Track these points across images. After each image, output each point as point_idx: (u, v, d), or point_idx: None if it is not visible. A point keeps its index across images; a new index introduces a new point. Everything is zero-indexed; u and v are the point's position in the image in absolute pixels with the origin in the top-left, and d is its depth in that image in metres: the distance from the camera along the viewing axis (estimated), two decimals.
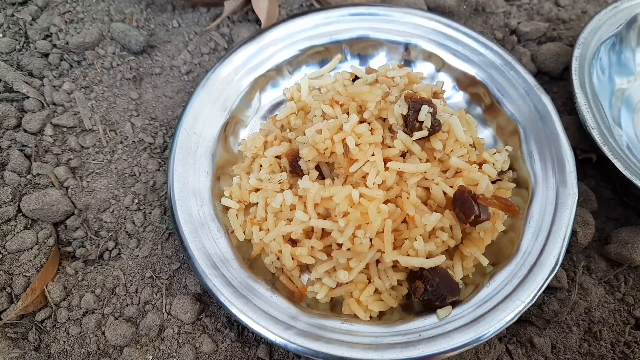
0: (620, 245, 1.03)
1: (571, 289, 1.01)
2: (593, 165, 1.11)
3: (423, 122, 0.92)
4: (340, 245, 0.89)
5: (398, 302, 0.93)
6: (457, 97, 1.15)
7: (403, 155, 0.96)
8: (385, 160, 0.94)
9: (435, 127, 0.93)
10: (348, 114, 0.99)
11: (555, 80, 1.25)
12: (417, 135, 0.93)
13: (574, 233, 1.02)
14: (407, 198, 0.91)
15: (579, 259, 1.05)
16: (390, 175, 0.92)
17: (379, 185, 0.91)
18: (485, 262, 0.94)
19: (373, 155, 0.92)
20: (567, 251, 1.04)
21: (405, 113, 0.93)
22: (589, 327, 0.99)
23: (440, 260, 0.88)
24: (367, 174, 0.91)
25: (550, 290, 1.01)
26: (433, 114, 0.93)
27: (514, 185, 1.02)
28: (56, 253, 1.01)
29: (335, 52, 1.18)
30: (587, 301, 1.01)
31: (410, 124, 0.93)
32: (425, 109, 0.92)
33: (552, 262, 0.89)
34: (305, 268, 0.97)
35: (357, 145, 0.92)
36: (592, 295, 1.01)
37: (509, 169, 1.05)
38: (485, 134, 1.11)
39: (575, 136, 1.11)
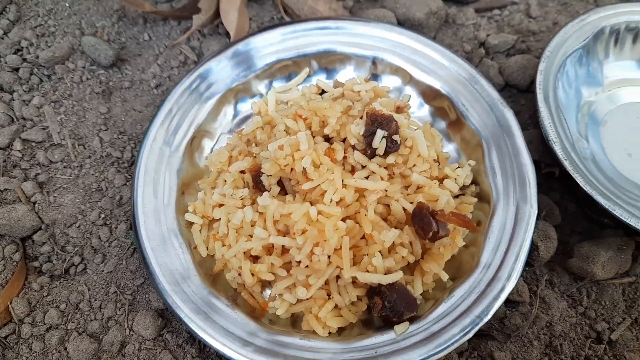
0: (581, 260, 1.04)
1: (533, 302, 1.02)
2: (558, 178, 1.12)
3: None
4: (299, 262, 0.90)
5: (358, 318, 0.94)
6: (422, 111, 1.16)
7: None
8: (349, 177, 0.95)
9: (391, 149, 0.94)
10: (311, 128, 1.00)
11: (523, 92, 1.26)
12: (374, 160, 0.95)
13: (535, 247, 1.03)
14: (366, 215, 0.92)
15: (542, 272, 1.06)
16: (349, 193, 0.92)
17: (337, 202, 0.92)
18: (445, 277, 0.95)
19: (333, 173, 0.93)
20: (530, 265, 1.05)
21: (362, 133, 0.94)
22: (550, 341, 1.00)
23: (397, 276, 0.89)
24: (326, 191, 0.92)
25: (512, 304, 1.02)
26: (392, 134, 0.94)
27: (475, 199, 1.03)
28: (22, 268, 1.01)
29: (303, 65, 1.18)
30: (548, 315, 1.02)
31: (366, 146, 0.94)
32: (379, 133, 0.93)
33: (509, 278, 0.90)
34: (267, 283, 0.97)
35: (317, 165, 0.93)
36: (554, 309, 1.02)
37: (472, 183, 1.06)
38: (450, 147, 1.12)
39: (539, 149, 1.12)
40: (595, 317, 1.03)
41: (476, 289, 0.91)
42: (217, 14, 1.28)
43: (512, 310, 1.01)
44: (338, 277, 0.92)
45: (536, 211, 0.95)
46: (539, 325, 1.00)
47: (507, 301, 1.02)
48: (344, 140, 0.99)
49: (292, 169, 0.94)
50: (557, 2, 1.44)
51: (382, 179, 0.96)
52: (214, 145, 1.12)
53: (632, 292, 1.06)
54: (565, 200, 1.13)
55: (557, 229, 1.08)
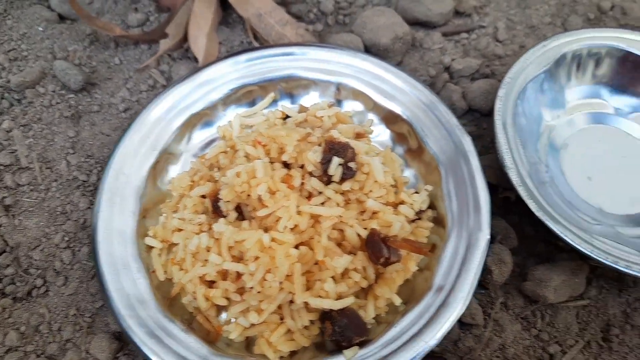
0: (535, 284, 1.05)
1: (487, 325, 1.04)
2: (516, 202, 1.14)
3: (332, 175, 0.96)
4: (251, 288, 0.92)
5: (311, 341, 0.95)
6: (384, 136, 1.18)
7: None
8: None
9: (347, 176, 0.96)
10: (270, 154, 1.02)
11: (486, 116, 1.28)
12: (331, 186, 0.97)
13: (489, 272, 1.05)
14: (319, 242, 0.94)
15: (497, 295, 1.08)
16: (303, 219, 0.94)
17: (292, 229, 0.94)
18: (397, 301, 0.97)
19: (289, 200, 0.95)
20: (485, 288, 1.07)
21: (319, 160, 0.96)
22: None
23: (348, 302, 0.91)
24: (281, 218, 0.94)
25: (466, 326, 1.04)
26: (347, 161, 0.96)
27: (431, 224, 1.05)
28: None
29: (269, 90, 1.21)
30: (502, 337, 1.03)
31: (323, 173, 0.96)
32: (335, 160, 0.95)
33: (459, 303, 0.91)
34: (223, 307, 0.99)
35: (273, 191, 0.95)
36: (507, 332, 1.04)
37: (430, 207, 1.08)
38: (409, 172, 1.14)
39: (498, 174, 1.14)
40: (548, 340, 1.04)
41: (427, 313, 0.92)
42: (185, 39, 1.30)
43: (465, 333, 1.03)
44: (291, 301, 0.94)
45: (488, 237, 0.97)
46: (492, 348, 1.02)
47: (462, 324, 1.04)
48: (302, 166, 1.01)
49: (248, 195, 0.95)
50: (525, 25, 1.46)
51: (337, 205, 0.98)
52: (178, 169, 1.14)
53: (586, 315, 1.07)
54: (523, 224, 1.15)
55: (514, 251, 1.10)
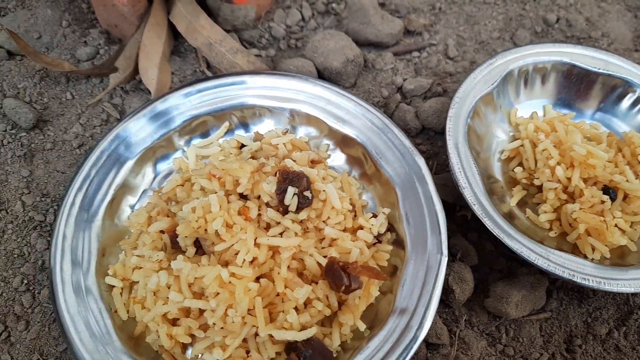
0: (496, 300, 1.07)
1: (453, 343, 1.05)
2: (474, 219, 1.15)
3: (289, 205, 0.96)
4: (214, 324, 0.91)
5: None
6: (339, 160, 1.19)
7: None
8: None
9: (303, 205, 0.97)
10: (225, 187, 1.02)
11: (440, 134, 1.30)
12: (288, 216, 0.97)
13: (451, 291, 1.06)
14: (279, 273, 0.94)
15: (461, 313, 1.09)
16: (262, 252, 0.94)
17: (251, 261, 0.94)
18: (362, 327, 0.97)
19: (246, 233, 0.95)
20: (449, 306, 1.09)
21: (274, 190, 0.97)
22: None
23: (312, 332, 0.91)
24: (239, 251, 0.94)
25: (433, 346, 1.05)
26: (302, 190, 0.96)
27: (391, 247, 1.06)
28: None
29: (223, 120, 1.20)
30: (468, 355, 1.05)
31: (279, 203, 0.97)
32: (290, 190, 0.95)
33: (421, 326, 0.92)
34: (190, 343, 0.98)
35: (230, 225, 0.95)
36: (473, 349, 1.05)
37: (389, 230, 1.08)
38: (367, 196, 1.15)
39: (454, 192, 1.15)
40: (514, 355, 1.06)
41: (391, 338, 0.93)
42: (136, 71, 1.30)
43: (433, 353, 1.04)
44: (256, 334, 0.93)
45: (446, 258, 0.98)
46: None
47: (428, 344, 1.05)
48: (259, 197, 1.01)
49: (205, 230, 0.95)
50: (475, 40, 1.49)
51: (296, 234, 0.98)
52: (136, 204, 1.13)
53: (549, 328, 1.09)
54: (483, 240, 1.17)
55: (475, 268, 1.11)
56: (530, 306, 1.08)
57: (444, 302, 1.09)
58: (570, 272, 0.99)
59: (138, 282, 1.00)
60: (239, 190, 1.00)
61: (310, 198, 0.98)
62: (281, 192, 0.97)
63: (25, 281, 1.08)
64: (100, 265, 1.03)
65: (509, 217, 1.10)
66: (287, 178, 0.97)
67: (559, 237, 1.12)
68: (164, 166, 1.18)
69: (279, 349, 0.95)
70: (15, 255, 1.10)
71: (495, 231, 1.02)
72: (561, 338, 1.09)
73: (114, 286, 1.02)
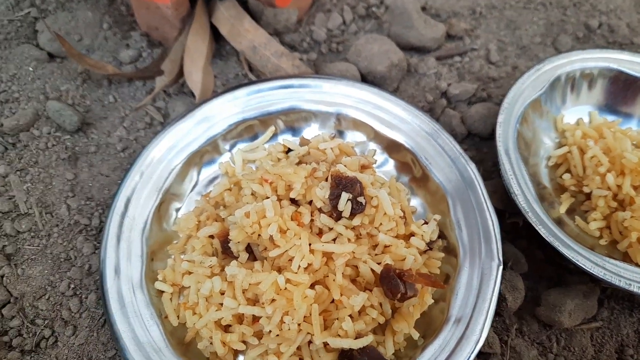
0: (549, 309, 1.05)
1: (504, 352, 1.04)
2: (523, 226, 1.14)
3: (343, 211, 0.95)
4: (269, 331, 0.90)
5: None
6: (388, 165, 1.18)
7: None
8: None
9: (357, 210, 0.95)
10: (277, 192, 1.01)
11: (486, 140, 1.28)
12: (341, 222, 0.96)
13: (503, 299, 1.05)
14: (334, 280, 0.93)
15: (511, 322, 1.07)
16: (316, 258, 0.93)
17: (305, 268, 0.93)
18: (416, 335, 0.96)
19: (300, 238, 0.93)
20: (500, 315, 1.07)
21: (327, 196, 0.96)
22: None
23: (368, 340, 0.90)
24: (293, 257, 0.93)
25: (484, 355, 1.04)
26: (356, 196, 0.95)
27: (442, 255, 1.05)
28: None
29: (269, 124, 1.20)
30: None
31: (332, 209, 0.95)
32: (344, 196, 0.94)
33: (477, 335, 0.91)
34: (241, 351, 0.97)
35: (284, 230, 0.94)
36: (524, 358, 1.03)
37: (440, 237, 1.07)
38: (416, 202, 1.14)
39: (504, 199, 1.14)
40: None
41: (447, 347, 0.92)
42: (180, 74, 1.29)
43: None
44: (310, 342, 0.92)
45: (501, 266, 0.97)
46: None
47: (479, 353, 1.03)
48: (311, 202, 1.00)
49: (259, 236, 0.94)
50: (516, 46, 1.48)
51: (349, 240, 0.97)
52: (183, 208, 1.12)
53: (600, 337, 1.08)
54: (533, 248, 1.15)
55: (525, 276, 1.10)
56: (583, 315, 1.06)
57: (495, 310, 1.07)
58: (627, 282, 0.97)
59: (188, 287, 0.99)
60: (292, 195, 0.99)
61: (363, 204, 0.97)
62: (334, 198, 0.96)
63: (72, 285, 1.07)
64: (150, 270, 1.02)
65: (559, 224, 1.08)
66: (340, 183, 0.96)
67: (609, 244, 1.11)
68: (209, 170, 1.17)
69: (333, 357, 0.94)
70: (62, 260, 1.10)
71: (550, 239, 1.00)
72: (613, 348, 1.07)
73: (163, 291, 1.01)
